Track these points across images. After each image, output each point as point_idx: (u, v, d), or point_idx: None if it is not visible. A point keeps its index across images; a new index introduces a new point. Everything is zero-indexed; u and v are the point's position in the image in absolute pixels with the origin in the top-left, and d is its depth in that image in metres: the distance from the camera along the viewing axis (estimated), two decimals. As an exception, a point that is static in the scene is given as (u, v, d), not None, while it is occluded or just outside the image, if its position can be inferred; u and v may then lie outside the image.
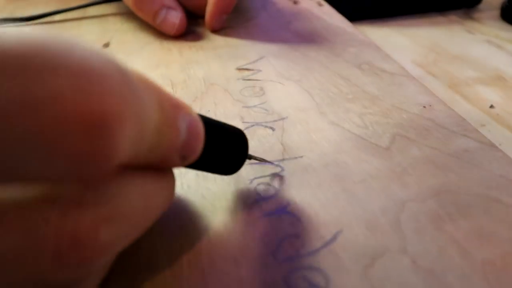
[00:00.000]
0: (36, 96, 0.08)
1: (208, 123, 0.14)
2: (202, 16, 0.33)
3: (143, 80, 0.11)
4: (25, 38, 0.08)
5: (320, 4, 0.38)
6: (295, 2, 0.39)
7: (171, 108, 0.12)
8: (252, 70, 0.27)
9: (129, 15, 0.35)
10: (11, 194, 0.09)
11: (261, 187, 0.17)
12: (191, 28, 0.33)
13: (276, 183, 0.17)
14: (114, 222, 0.10)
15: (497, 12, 0.41)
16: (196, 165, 0.14)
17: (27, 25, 0.35)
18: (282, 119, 0.22)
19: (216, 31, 0.33)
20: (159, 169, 0.12)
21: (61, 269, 0.09)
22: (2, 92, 0.08)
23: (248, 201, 0.16)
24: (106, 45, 0.31)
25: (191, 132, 0.12)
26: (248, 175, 0.18)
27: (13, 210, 0.09)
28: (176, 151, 0.12)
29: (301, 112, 0.22)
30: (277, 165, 0.18)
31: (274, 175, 0.18)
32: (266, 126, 0.21)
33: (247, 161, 0.16)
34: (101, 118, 0.08)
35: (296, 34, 0.32)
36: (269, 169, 0.18)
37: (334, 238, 0.15)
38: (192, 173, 0.17)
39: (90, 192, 0.10)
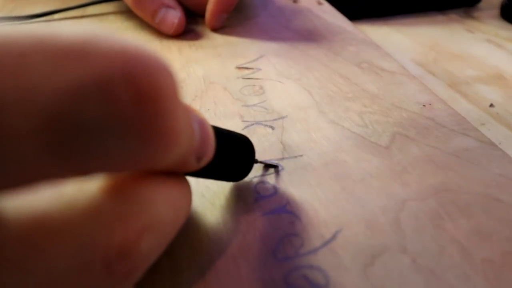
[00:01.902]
0: (107, 77, 0.08)
1: (216, 129, 0.14)
2: (201, 15, 0.33)
3: None
4: (73, 30, 0.08)
5: (320, 3, 0.38)
6: (295, 1, 0.39)
7: (189, 109, 0.12)
8: (252, 68, 0.27)
9: (129, 13, 0.35)
10: (59, 210, 0.09)
11: (260, 186, 0.17)
12: (191, 26, 0.33)
13: (275, 182, 0.17)
14: (152, 230, 0.10)
15: (497, 11, 0.41)
16: (207, 173, 0.14)
17: (27, 23, 0.35)
18: (282, 118, 0.22)
19: (216, 29, 0.33)
20: (176, 176, 0.12)
21: (112, 281, 0.10)
22: (75, 78, 0.08)
23: (248, 200, 0.16)
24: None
25: (203, 132, 0.12)
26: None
27: (64, 227, 0.09)
28: (193, 152, 0.12)
29: (301, 111, 0.22)
30: (277, 164, 0.18)
31: (274, 174, 0.18)
32: (265, 125, 0.21)
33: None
34: (170, 95, 0.09)
35: (296, 33, 0.32)
36: (269, 168, 0.18)
37: (333, 237, 0.15)
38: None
39: (129, 203, 0.10)
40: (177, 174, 0.12)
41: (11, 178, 0.08)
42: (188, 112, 0.11)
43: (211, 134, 0.13)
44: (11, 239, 0.09)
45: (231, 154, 0.15)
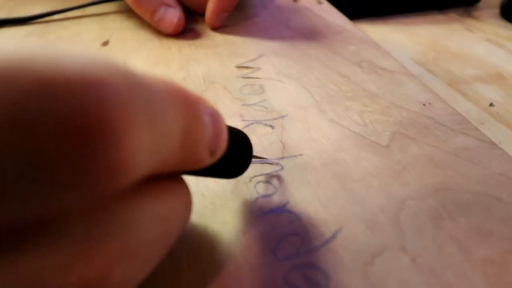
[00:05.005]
0: (31, 116, 0.07)
1: None
2: (201, 14, 0.33)
3: (157, 80, 0.10)
4: (4, 53, 0.07)
5: (319, 2, 0.38)
6: (294, 0, 0.39)
7: (194, 102, 0.11)
8: (251, 68, 0.27)
9: (129, 13, 0.35)
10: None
11: (260, 186, 0.17)
12: (191, 26, 0.33)
13: (275, 182, 0.17)
14: (127, 257, 0.09)
15: (496, 10, 0.41)
16: (206, 171, 0.13)
17: (27, 25, 0.35)
18: (282, 117, 0.22)
19: (216, 29, 0.33)
20: (168, 182, 0.11)
21: None
22: None
23: (248, 200, 0.16)
24: (106, 43, 0.31)
25: (215, 124, 0.11)
26: (248, 173, 0.17)
27: (10, 263, 0.08)
28: (205, 147, 0.11)
29: (301, 110, 0.22)
30: (276, 163, 0.18)
31: (274, 173, 0.18)
32: (265, 124, 0.21)
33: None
34: (102, 129, 0.07)
35: (296, 32, 0.32)
36: (269, 168, 0.18)
37: (333, 236, 0.15)
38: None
39: (96, 227, 0.08)
40: (171, 178, 0.11)
41: None
42: (198, 105, 0.11)
43: (224, 126, 0.12)
44: None
45: (231, 149, 0.14)
